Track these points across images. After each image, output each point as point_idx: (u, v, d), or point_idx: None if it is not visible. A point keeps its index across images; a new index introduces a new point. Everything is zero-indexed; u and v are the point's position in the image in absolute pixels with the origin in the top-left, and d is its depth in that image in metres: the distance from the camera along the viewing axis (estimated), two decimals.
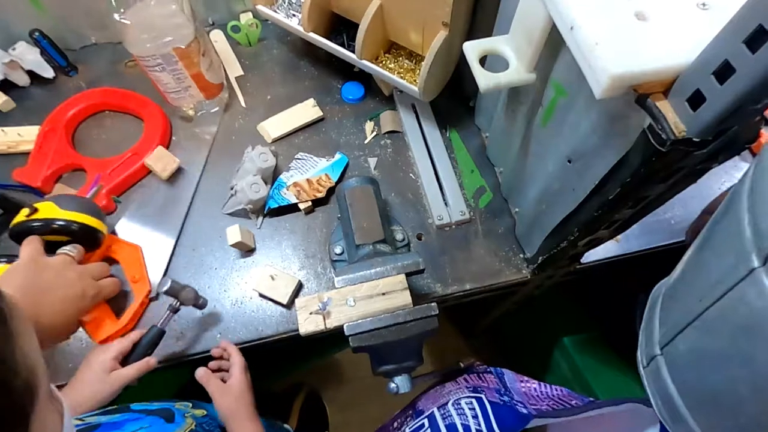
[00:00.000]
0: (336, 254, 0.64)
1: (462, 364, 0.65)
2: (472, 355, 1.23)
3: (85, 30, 0.82)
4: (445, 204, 0.70)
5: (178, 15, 0.63)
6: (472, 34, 0.65)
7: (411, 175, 0.73)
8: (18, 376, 0.20)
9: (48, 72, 0.78)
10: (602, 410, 0.51)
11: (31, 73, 0.78)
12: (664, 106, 0.34)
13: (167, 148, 0.73)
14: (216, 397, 0.53)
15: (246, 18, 0.84)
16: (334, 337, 0.52)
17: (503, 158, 0.70)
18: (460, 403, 0.52)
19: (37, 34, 0.74)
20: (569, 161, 0.48)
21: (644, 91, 0.35)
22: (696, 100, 0.32)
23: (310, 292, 0.64)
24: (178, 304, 0.56)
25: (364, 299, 0.51)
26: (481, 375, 0.62)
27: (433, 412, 0.53)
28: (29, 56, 0.77)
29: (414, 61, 0.71)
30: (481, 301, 0.93)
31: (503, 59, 0.50)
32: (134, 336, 0.55)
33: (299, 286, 0.64)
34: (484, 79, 0.48)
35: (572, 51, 0.37)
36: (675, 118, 0.34)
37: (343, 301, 0.51)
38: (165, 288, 0.55)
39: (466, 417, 0.49)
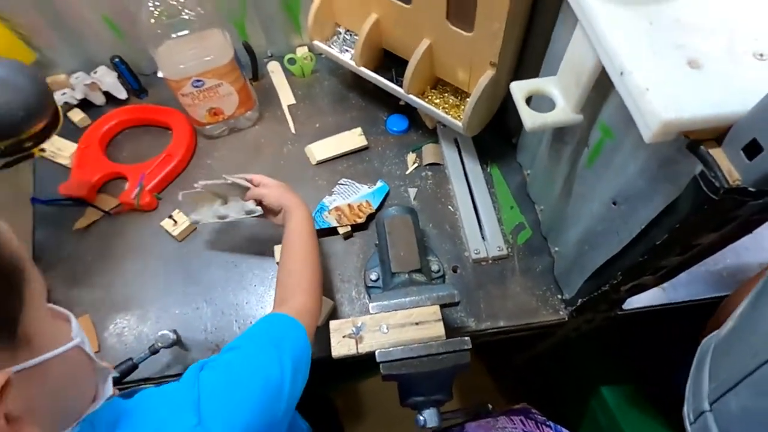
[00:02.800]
0: (371, 280, 0.65)
1: (491, 407, 0.63)
2: (501, 396, 1.18)
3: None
4: (483, 238, 0.70)
5: (217, 37, 0.69)
6: (518, 73, 0.67)
7: (450, 207, 0.74)
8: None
9: (122, 94, 0.86)
10: None
11: (107, 94, 0.86)
12: (718, 154, 0.34)
13: (192, 153, 0.80)
14: (273, 197, 0.59)
15: (302, 51, 0.90)
16: (361, 365, 0.52)
17: (544, 196, 0.70)
18: None
19: (117, 60, 0.82)
20: (614, 203, 0.47)
21: (696, 137, 0.35)
22: (752, 149, 0.31)
23: (343, 316, 0.65)
24: (160, 347, 0.59)
25: (397, 327, 0.51)
26: (539, 425, 0.59)
27: None
28: (108, 79, 0.85)
29: (459, 98, 0.73)
30: (515, 341, 0.90)
31: (549, 99, 0.51)
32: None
33: (333, 309, 0.65)
34: (530, 118, 0.49)
35: (622, 95, 0.37)
36: (729, 166, 0.33)
37: (376, 327, 0.51)
38: (163, 341, 0.58)
39: None
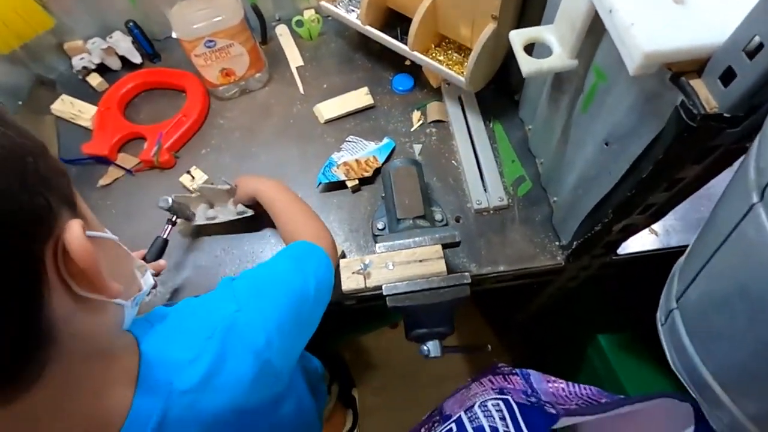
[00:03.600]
0: (378, 229, 0.69)
1: (490, 348, 0.67)
2: (504, 351, 1.24)
3: (168, 23, 0.92)
4: (485, 190, 0.73)
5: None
6: (520, 26, 0.68)
7: (453, 162, 0.77)
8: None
9: (137, 58, 0.89)
10: (633, 407, 0.51)
11: (122, 59, 0.89)
12: (697, 84, 0.36)
13: (206, 114, 0.84)
14: (242, 192, 0.64)
15: (309, 14, 0.91)
16: (366, 314, 0.55)
17: (544, 149, 0.72)
18: (486, 405, 0.53)
19: (131, 24, 0.85)
20: (606, 144, 0.50)
21: (678, 69, 0.37)
22: (727, 76, 0.34)
23: None
24: (175, 218, 0.65)
25: (402, 264, 0.55)
26: (506, 376, 0.62)
27: (460, 415, 0.54)
28: (123, 44, 0.88)
29: (463, 54, 0.75)
30: (515, 295, 0.94)
31: (548, 48, 0.53)
32: (142, 251, 0.63)
33: (342, 256, 0.69)
34: (527, 64, 0.51)
35: (610, 33, 0.39)
36: (707, 95, 0.36)
37: (382, 264, 0.55)
38: (167, 205, 0.63)
39: (494, 419, 0.50)
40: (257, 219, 0.69)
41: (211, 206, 0.71)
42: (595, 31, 0.47)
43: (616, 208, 0.51)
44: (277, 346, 0.40)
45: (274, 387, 0.40)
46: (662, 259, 0.69)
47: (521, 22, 0.68)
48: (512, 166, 0.75)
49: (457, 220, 0.71)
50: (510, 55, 0.75)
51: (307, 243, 0.53)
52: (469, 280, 0.53)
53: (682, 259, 0.40)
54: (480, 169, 0.75)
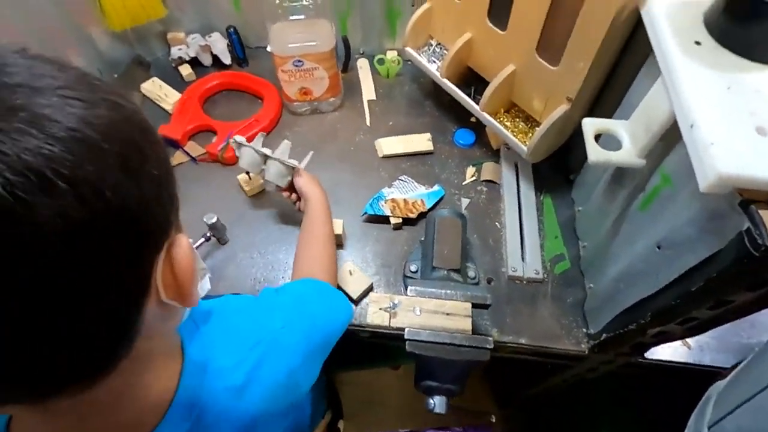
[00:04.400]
0: (410, 271, 0.70)
1: (494, 419, 0.66)
2: (501, 421, 1.19)
3: (265, 35, 0.99)
4: (522, 259, 0.73)
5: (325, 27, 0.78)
6: (593, 112, 0.70)
7: (497, 224, 0.78)
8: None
9: (227, 59, 0.96)
10: None
11: (215, 57, 0.97)
12: (766, 215, 0.37)
13: (276, 124, 0.89)
14: (301, 182, 0.67)
15: (391, 55, 0.97)
16: (371, 351, 0.55)
17: (591, 234, 0.72)
18: None
19: (231, 29, 0.93)
20: (659, 247, 0.50)
21: (749, 196, 0.38)
22: None
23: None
24: (210, 235, 0.70)
25: (429, 312, 0.56)
26: None
27: None
28: (219, 44, 0.95)
29: (529, 125, 0.77)
30: (528, 370, 0.92)
31: (617, 141, 0.55)
32: None
33: (370, 288, 0.70)
34: (595, 153, 0.53)
35: (687, 146, 0.40)
36: None
37: (410, 307, 0.56)
38: (210, 221, 0.68)
39: None
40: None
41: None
42: (670, 137, 0.48)
43: (655, 313, 0.50)
44: (306, 369, 0.41)
45: (292, 399, 0.42)
46: (690, 374, 0.67)
47: (594, 110, 0.70)
48: (554, 242, 0.76)
49: (489, 281, 0.71)
50: (575, 136, 0.77)
51: (341, 296, 0.56)
52: (492, 346, 0.53)
53: (721, 384, 0.39)
54: (522, 237, 0.75)
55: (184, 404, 0.33)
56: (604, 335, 0.61)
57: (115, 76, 0.95)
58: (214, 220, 0.69)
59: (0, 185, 0.18)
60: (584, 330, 0.67)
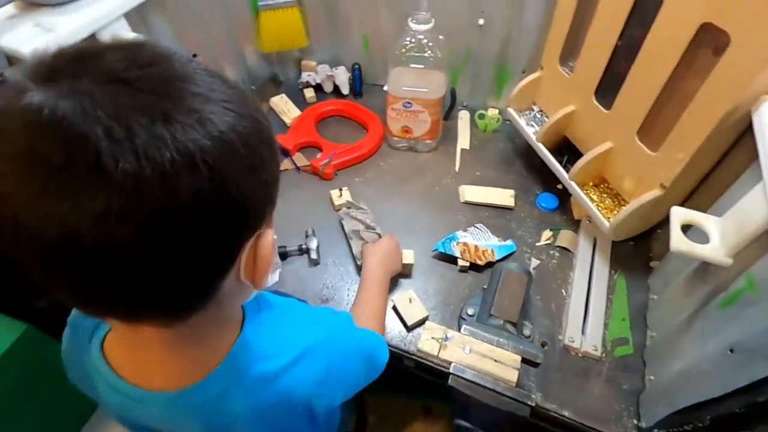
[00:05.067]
0: (467, 314, 0.72)
1: None
2: None
3: (381, 74, 1.12)
4: (582, 332, 0.72)
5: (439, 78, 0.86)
6: (686, 203, 0.69)
7: (562, 291, 0.78)
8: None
9: (345, 90, 1.09)
10: None
11: (335, 87, 1.10)
12: None
13: (374, 152, 0.99)
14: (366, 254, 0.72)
15: (492, 112, 1.03)
16: (414, 383, 0.56)
17: (662, 324, 0.70)
18: None
19: (356, 66, 1.06)
20: (731, 350, 0.48)
21: None
22: None
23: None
24: (306, 247, 0.80)
25: (478, 354, 0.58)
26: None
27: None
28: (342, 77, 1.08)
29: (616, 203, 0.78)
30: None
31: (705, 235, 0.54)
32: None
33: (425, 319, 0.73)
34: (679, 242, 0.53)
35: None
36: None
37: (461, 345, 0.58)
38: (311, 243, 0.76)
39: None
40: None
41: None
42: (762, 242, 0.48)
43: (716, 418, 0.48)
44: (329, 389, 0.44)
45: (305, 411, 0.44)
46: None
47: (688, 201, 0.70)
48: (620, 325, 0.74)
49: (543, 344, 0.71)
50: (663, 223, 0.76)
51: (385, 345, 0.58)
52: (534, 404, 0.54)
53: None
54: (587, 310, 0.74)
55: (226, 370, 0.38)
56: (656, 431, 0.58)
57: (253, 87, 1.11)
58: (315, 245, 0.79)
59: (168, 160, 0.25)
60: (635, 421, 0.64)
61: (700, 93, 0.56)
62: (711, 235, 0.54)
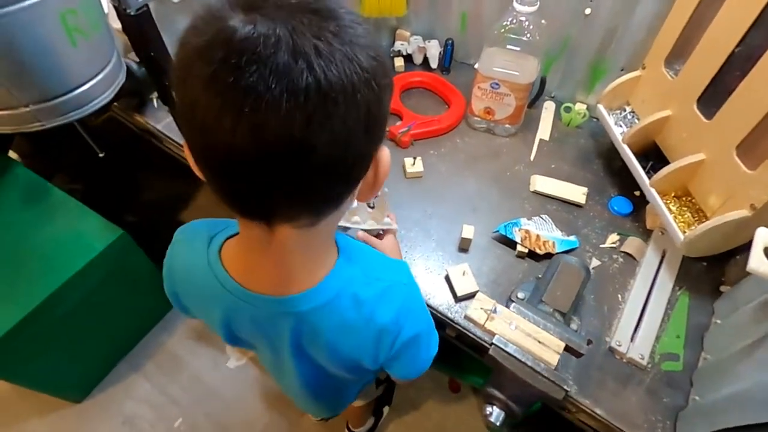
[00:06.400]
0: (517, 297, 0.74)
1: None
2: None
3: (472, 54, 1.12)
4: (631, 339, 0.71)
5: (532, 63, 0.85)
6: None
7: (619, 296, 0.77)
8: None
9: (435, 64, 1.11)
10: None
11: (425, 59, 1.12)
12: None
13: (453, 129, 1.00)
14: (377, 245, 0.69)
15: (580, 107, 1.00)
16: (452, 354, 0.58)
17: (719, 348, 0.67)
18: None
19: (449, 41, 1.07)
20: None
21: None
22: None
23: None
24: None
25: (523, 332, 0.60)
26: None
27: None
28: (433, 50, 1.10)
29: (696, 218, 0.75)
30: None
31: None
32: None
33: (474, 293, 0.75)
34: (757, 262, 0.51)
35: None
36: None
37: (508, 320, 0.61)
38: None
39: None
40: None
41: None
42: None
43: None
44: (405, 333, 0.48)
45: (376, 349, 0.49)
46: None
47: None
48: (674, 341, 0.72)
49: (589, 342, 0.71)
50: (743, 247, 0.72)
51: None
52: (569, 389, 0.55)
53: None
54: (640, 319, 0.73)
55: (330, 284, 0.43)
56: None
57: None
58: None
59: (357, 77, 0.31)
60: None
61: None
62: None
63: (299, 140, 0.30)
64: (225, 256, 0.46)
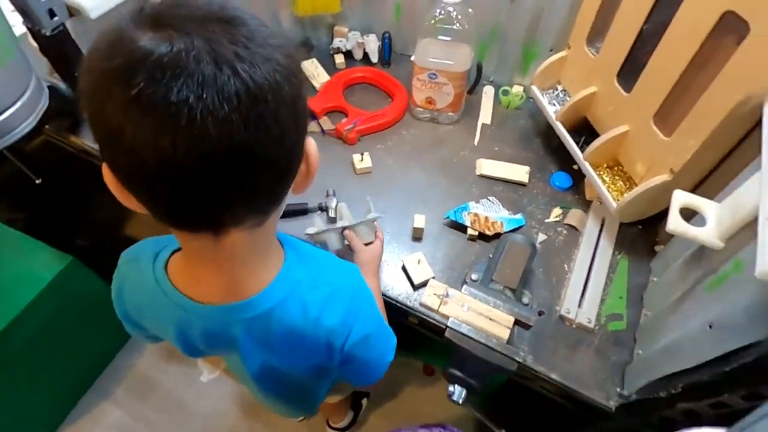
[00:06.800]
0: (470, 279, 0.77)
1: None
2: None
3: (411, 45, 1.13)
4: (579, 305, 0.76)
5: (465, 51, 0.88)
6: (695, 190, 0.71)
7: (565, 266, 0.81)
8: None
9: (375, 58, 1.12)
10: None
11: (365, 54, 1.13)
12: None
13: (397, 122, 1.02)
14: (357, 250, 0.71)
15: (517, 89, 1.04)
16: (416, 341, 0.60)
17: (656, 304, 0.73)
18: None
19: (387, 35, 1.08)
20: (710, 326, 0.52)
21: None
22: None
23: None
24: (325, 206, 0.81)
25: (475, 312, 0.63)
26: None
27: None
28: (372, 45, 1.11)
29: (627, 185, 0.80)
30: (551, 416, 0.93)
31: (703, 219, 0.57)
32: None
33: (430, 278, 0.78)
34: (675, 223, 0.56)
35: (759, 235, 0.43)
36: None
37: (460, 303, 0.63)
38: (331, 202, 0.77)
39: None
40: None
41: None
42: (752, 228, 0.50)
43: (687, 386, 0.52)
44: (355, 335, 0.49)
45: (326, 351, 0.49)
46: None
47: (697, 189, 0.71)
48: (617, 302, 0.77)
49: (540, 313, 0.76)
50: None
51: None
52: (521, 359, 0.59)
53: None
54: (586, 285, 0.78)
55: (277, 288, 0.44)
56: (635, 396, 0.62)
57: None
58: (334, 204, 0.82)
59: (278, 75, 0.32)
60: (617, 389, 0.69)
61: (716, 81, 0.57)
62: (708, 220, 0.56)
63: (239, 144, 0.31)
64: (171, 270, 0.46)
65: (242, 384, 0.72)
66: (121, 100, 0.29)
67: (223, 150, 0.31)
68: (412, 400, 1.32)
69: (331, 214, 0.85)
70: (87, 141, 0.99)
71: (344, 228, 0.73)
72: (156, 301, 0.46)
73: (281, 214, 0.44)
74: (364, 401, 1.28)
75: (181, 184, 0.32)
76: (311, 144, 0.41)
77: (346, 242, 0.74)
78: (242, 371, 0.56)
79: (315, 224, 0.72)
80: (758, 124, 0.59)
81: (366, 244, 0.73)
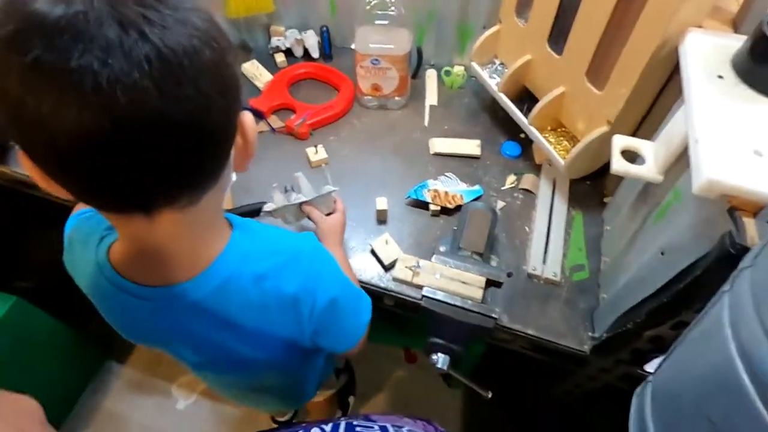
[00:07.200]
0: (439, 251, 0.78)
1: (490, 395, 0.72)
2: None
3: (350, 37, 1.14)
4: (543, 261, 0.79)
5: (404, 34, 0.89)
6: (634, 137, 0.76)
7: (525, 228, 0.85)
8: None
9: (316, 53, 1.11)
10: None
11: (305, 51, 1.12)
12: (749, 222, 0.43)
13: (347, 112, 1.02)
14: (318, 221, 0.69)
15: (458, 69, 1.07)
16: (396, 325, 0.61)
17: (613, 249, 0.77)
18: None
19: (324, 29, 1.08)
20: (662, 253, 0.55)
21: (736, 204, 0.44)
22: None
23: None
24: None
25: (447, 278, 0.64)
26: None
27: (386, 426, 0.57)
28: (311, 40, 1.11)
29: (572, 144, 0.84)
30: (531, 378, 0.96)
31: (642, 159, 0.61)
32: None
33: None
34: (617, 164, 0.60)
35: (690, 158, 0.47)
36: (754, 234, 0.42)
37: (432, 272, 0.64)
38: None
39: None
40: None
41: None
42: (685, 158, 0.54)
43: (649, 312, 0.55)
44: (320, 300, 0.48)
45: (293, 324, 0.48)
46: None
47: (635, 135, 0.76)
48: (577, 254, 0.81)
49: (509, 275, 0.78)
50: None
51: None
52: (496, 316, 0.61)
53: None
54: (547, 243, 0.81)
55: (223, 264, 0.43)
56: (605, 335, 0.66)
57: None
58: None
59: (196, 40, 0.30)
60: (589, 333, 0.72)
61: (635, 30, 0.62)
62: (646, 158, 0.60)
63: (155, 112, 0.29)
64: (113, 254, 0.44)
65: (215, 390, 0.70)
66: (18, 70, 0.27)
67: (138, 120, 0.29)
68: (399, 389, 1.32)
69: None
70: (18, 169, 0.92)
71: (302, 203, 0.71)
72: (102, 288, 0.44)
73: (227, 190, 0.43)
74: (351, 399, 1.26)
75: (95, 160, 0.30)
76: (248, 117, 0.39)
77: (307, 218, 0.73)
78: (203, 365, 0.54)
79: (274, 201, 0.71)
80: (678, 65, 0.64)
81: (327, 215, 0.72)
